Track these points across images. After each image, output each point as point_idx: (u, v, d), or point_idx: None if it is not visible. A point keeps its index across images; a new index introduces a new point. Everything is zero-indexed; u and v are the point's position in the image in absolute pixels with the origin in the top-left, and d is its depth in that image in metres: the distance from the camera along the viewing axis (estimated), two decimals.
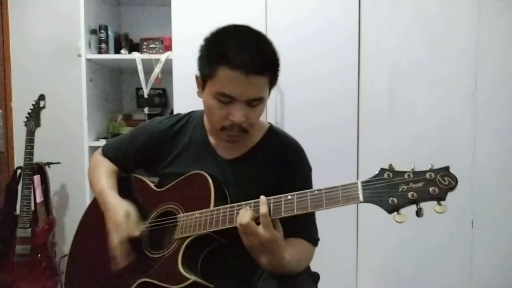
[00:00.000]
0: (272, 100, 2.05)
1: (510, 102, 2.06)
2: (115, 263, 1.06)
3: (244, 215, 0.92)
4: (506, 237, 2.07)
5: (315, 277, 1.18)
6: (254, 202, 0.95)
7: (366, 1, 2.04)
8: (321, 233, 1.18)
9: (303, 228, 1.11)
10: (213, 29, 1.05)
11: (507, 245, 2.08)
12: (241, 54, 0.96)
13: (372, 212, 2.00)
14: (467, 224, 2.08)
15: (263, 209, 0.91)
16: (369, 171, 0.86)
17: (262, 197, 0.93)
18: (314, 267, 1.22)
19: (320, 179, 1.04)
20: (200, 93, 1.09)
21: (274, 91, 2.08)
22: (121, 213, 1.07)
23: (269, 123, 1.23)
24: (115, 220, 1.07)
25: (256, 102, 1.02)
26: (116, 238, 1.05)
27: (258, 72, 0.97)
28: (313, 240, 1.15)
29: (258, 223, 0.91)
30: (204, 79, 1.04)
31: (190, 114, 1.25)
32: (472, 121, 2.06)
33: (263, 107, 1.07)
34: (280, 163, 1.13)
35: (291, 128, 1.95)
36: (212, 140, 1.17)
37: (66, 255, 1.86)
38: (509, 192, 2.07)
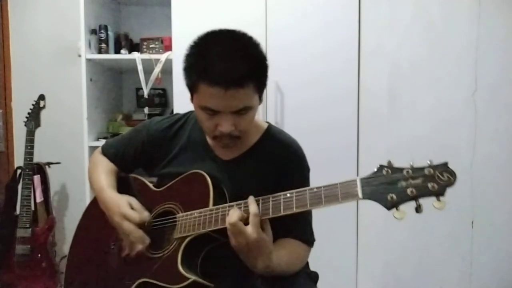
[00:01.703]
0: (272, 100, 2.05)
1: (510, 102, 2.06)
2: (132, 250, 1.06)
3: (233, 215, 0.92)
4: (506, 237, 2.07)
5: (315, 277, 1.19)
6: (244, 202, 0.95)
7: (366, 1, 2.04)
8: (321, 233, 1.18)
9: (298, 229, 1.11)
10: (195, 37, 1.03)
11: (507, 245, 2.08)
12: (219, 68, 0.94)
13: (372, 213, 2.01)
14: (467, 224, 2.08)
15: (253, 208, 0.92)
16: (369, 171, 0.86)
17: (251, 197, 0.94)
18: (314, 267, 1.22)
19: (320, 179, 1.03)
20: (191, 101, 1.09)
21: (274, 91, 2.09)
22: (123, 204, 1.08)
23: (267, 122, 1.23)
24: (120, 212, 1.07)
25: (243, 111, 1.01)
26: (126, 226, 1.05)
27: (238, 85, 0.95)
28: (308, 241, 1.14)
29: (246, 224, 0.92)
30: (190, 91, 1.05)
31: (189, 114, 1.25)
32: (472, 121, 2.06)
33: (253, 113, 1.05)
34: (278, 163, 1.13)
35: (291, 128, 1.95)
36: (210, 140, 1.17)
37: (66, 256, 1.86)
38: (509, 192, 2.07)
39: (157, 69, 2.14)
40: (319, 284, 1.18)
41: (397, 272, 2.11)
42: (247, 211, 0.93)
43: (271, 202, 0.93)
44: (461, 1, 2.05)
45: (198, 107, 1.03)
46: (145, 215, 1.07)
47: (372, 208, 0.83)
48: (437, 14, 2.06)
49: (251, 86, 0.98)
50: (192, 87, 1.01)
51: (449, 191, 0.79)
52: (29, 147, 2.21)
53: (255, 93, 1.01)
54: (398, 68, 2.07)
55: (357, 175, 2.08)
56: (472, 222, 2.08)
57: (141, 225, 1.06)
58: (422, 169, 0.80)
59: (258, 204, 0.94)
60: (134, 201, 1.10)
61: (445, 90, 2.07)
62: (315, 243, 1.17)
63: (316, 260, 1.21)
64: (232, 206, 0.98)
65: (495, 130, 2.06)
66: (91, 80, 2.20)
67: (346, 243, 2.09)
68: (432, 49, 2.06)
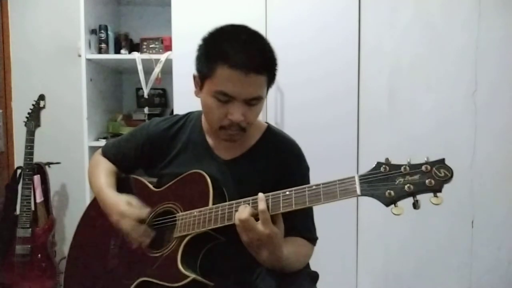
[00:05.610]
0: (272, 100, 2.05)
1: (510, 102, 2.06)
2: (138, 247, 1.06)
3: (243, 211, 0.92)
4: (506, 237, 2.07)
5: (314, 277, 1.18)
6: (252, 199, 0.95)
7: (366, 1, 2.04)
8: (321, 233, 1.18)
9: (302, 227, 1.12)
10: (211, 28, 1.05)
11: (507, 245, 2.08)
12: (241, 53, 0.97)
13: (373, 212, 2.00)
14: (467, 224, 2.08)
15: (262, 205, 0.92)
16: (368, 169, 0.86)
17: (260, 194, 0.94)
18: (314, 266, 1.22)
19: (320, 178, 1.03)
20: (198, 93, 1.09)
21: (274, 91, 2.10)
22: (122, 203, 1.08)
23: (267, 123, 1.23)
24: (119, 211, 1.07)
25: (254, 101, 1.02)
26: (126, 224, 1.05)
27: (257, 71, 0.98)
28: (312, 239, 1.15)
29: (257, 220, 0.92)
30: (202, 78, 1.05)
31: (189, 115, 1.25)
32: (472, 121, 2.06)
33: (261, 106, 1.07)
34: (277, 163, 1.14)
35: (291, 127, 1.95)
36: (210, 140, 1.18)
37: (65, 257, 1.86)
38: (509, 192, 2.07)
39: (157, 69, 2.14)
40: (319, 284, 1.17)
41: (397, 272, 2.11)
42: (256, 208, 0.93)
43: (270, 200, 0.93)
44: (461, 1, 2.05)
45: (210, 94, 1.03)
46: (144, 211, 1.07)
47: (372, 208, 0.84)
48: (437, 14, 2.06)
49: (265, 76, 1.01)
50: (208, 72, 1.01)
51: (449, 190, 0.80)
52: (29, 147, 2.21)
53: (266, 85, 1.04)
54: (398, 67, 2.07)
55: (357, 173, 2.08)
56: (472, 222, 2.08)
57: (141, 222, 1.06)
58: (419, 165, 0.81)
59: (267, 200, 0.93)
60: (133, 199, 1.10)
61: (445, 90, 2.07)
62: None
63: (316, 260, 1.21)
64: (232, 204, 0.98)
65: (495, 130, 2.06)
66: (91, 80, 2.20)
67: (346, 243, 2.09)
68: (432, 49, 2.06)
